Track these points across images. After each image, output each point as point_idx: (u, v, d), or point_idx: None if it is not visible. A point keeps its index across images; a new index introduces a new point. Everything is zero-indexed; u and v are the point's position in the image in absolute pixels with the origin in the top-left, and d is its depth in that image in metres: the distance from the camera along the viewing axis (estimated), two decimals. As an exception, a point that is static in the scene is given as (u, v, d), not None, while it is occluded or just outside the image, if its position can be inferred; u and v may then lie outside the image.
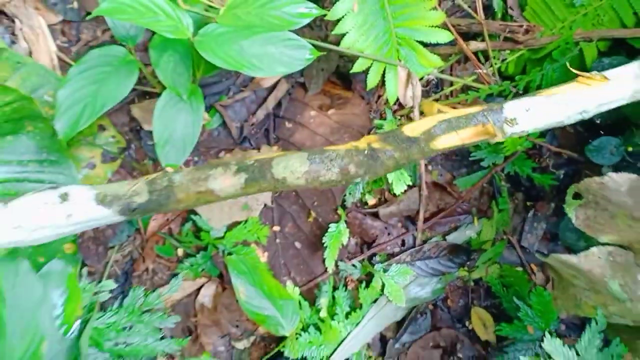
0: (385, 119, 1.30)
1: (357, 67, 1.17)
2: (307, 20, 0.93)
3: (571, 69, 0.81)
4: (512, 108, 0.62)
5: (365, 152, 0.61)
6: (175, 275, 1.29)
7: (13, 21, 1.38)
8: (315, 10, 0.94)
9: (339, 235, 1.22)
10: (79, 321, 0.91)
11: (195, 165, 1.39)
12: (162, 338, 1.17)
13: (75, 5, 1.41)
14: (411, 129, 0.62)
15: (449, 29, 1.24)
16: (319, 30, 1.38)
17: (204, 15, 0.96)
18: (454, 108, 1.37)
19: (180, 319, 1.23)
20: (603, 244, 0.90)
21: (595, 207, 0.90)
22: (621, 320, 0.91)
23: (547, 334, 0.95)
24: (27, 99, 1.09)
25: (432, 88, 1.41)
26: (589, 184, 0.89)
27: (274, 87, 1.41)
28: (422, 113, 1.17)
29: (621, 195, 0.85)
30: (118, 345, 1.07)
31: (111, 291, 1.22)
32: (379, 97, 1.41)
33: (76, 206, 0.61)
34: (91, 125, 1.29)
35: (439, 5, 1.35)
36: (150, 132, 1.40)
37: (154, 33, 1.04)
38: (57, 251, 1.17)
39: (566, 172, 1.30)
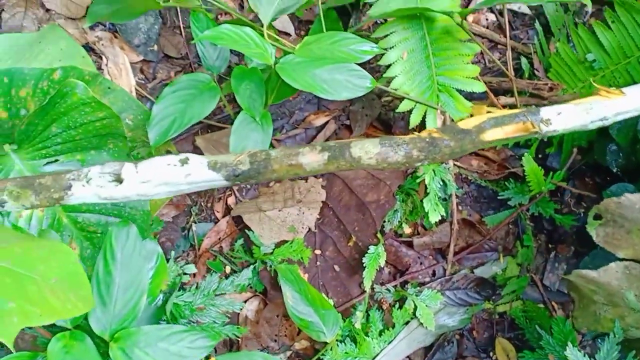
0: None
1: (403, 107, 1.34)
2: (369, 57, 1.12)
3: (595, 84, 0.96)
4: (547, 111, 0.77)
5: (427, 139, 0.76)
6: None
7: (101, 58, 1.60)
8: (376, 49, 1.12)
9: (377, 257, 1.35)
10: (162, 295, 1.04)
11: (248, 193, 1.55)
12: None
13: (155, 48, 1.63)
14: (465, 123, 0.77)
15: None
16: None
17: (283, 48, 1.15)
18: (487, 158, 1.53)
19: (245, 303, 1.35)
20: (620, 260, 1.02)
21: (613, 224, 1.03)
22: (637, 333, 1.01)
23: (569, 343, 1.06)
24: (116, 117, 1.26)
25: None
26: (607, 203, 1.03)
27: (323, 126, 1.58)
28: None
29: (636, 212, 0.98)
30: (190, 323, 1.19)
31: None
32: (416, 142, 1.57)
33: (193, 168, 0.76)
34: (159, 149, 1.47)
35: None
36: (210, 160, 1.57)
37: (232, 68, 1.24)
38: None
39: (585, 213, 1.43)
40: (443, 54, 1.33)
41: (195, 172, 0.76)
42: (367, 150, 0.76)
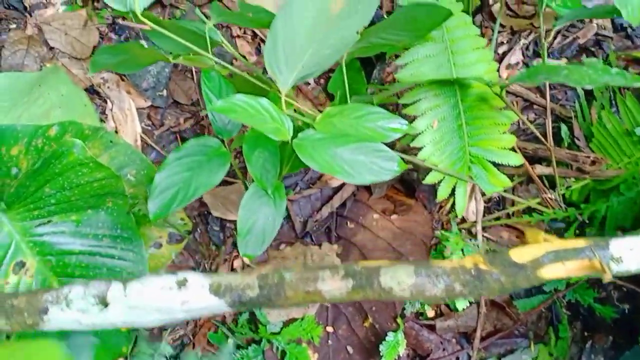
0: (448, 231, 1.33)
1: (430, 179, 1.22)
2: (398, 135, 0.99)
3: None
4: (618, 246, 0.64)
5: (472, 272, 0.64)
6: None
7: (105, 101, 1.49)
8: (405, 127, 1.00)
9: (396, 346, 1.22)
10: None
11: (259, 256, 1.43)
12: None
13: (165, 93, 1.52)
14: (519, 255, 0.65)
15: (515, 151, 1.30)
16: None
17: (302, 119, 1.03)
18: (519, 231, 1.40)
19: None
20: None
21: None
22: None
23: None
24: (115, 177, 1.15)
25: (494, 205, 1.45)
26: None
27: (340, 187, 1.46)
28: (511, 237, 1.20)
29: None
30: None
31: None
32: (441, 207, 1.45)
33: (192, 294, 0.64)
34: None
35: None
36: (217, 218, 1.46)
37: (245, 130, 1.12)
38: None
39: (630, 307, 1.29)
40: (477, 123, 1.21)
41: (193, 298, 0.64)
42: (400, 280, 0.64)
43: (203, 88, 1.10)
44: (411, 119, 1.21)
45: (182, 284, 0.65)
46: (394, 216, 1.41)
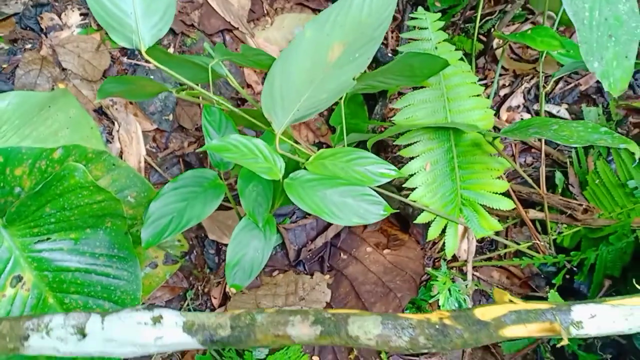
0: (438, 269, 1.34)
1: (421, 219, 1.24)
2: (386, 180, 1.02)
3: (638, 285, 0.85)
4: (579, 312, 0.66)
5: (437, 326, 0.66)
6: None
7: (113, 123, 1.54)
8: (394, 172, 1.03)
9: (379, 379, 1.23)
10: None
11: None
12: None
13: (171, 117, 1.56)
14: (482, 313, 0.67)
15: (509, 195, 1.32)
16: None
17: (295, 159, 1.06)
18: (509, 272, 1.41)
19: None
20: None
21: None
22: None
23: None
24: (115, 200, 1.19)
25: (487, 246, 1.47)
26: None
27: (336, 219, 1.48)
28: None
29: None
30: None
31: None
32: (434, 244, 1.47)
33: (166, 330, 0.67)
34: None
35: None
36: (214, 242, 1.49)
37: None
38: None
39: (612, 355, 1.30)
40: (470, 167, 1.24)
41: (167, 335, 0.67)
42: (367, 330, 0.66)
43: (203, 122, 1.14)
44: (406, 160, 1.24)
45: (157, 320, 0.68)
46: (386, 250, 1.43)
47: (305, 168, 1.03)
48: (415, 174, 1.21)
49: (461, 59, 1.26)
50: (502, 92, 1.58)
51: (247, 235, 1.10)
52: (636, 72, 1.56)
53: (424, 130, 1.21)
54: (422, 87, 1.23)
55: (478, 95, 1.24)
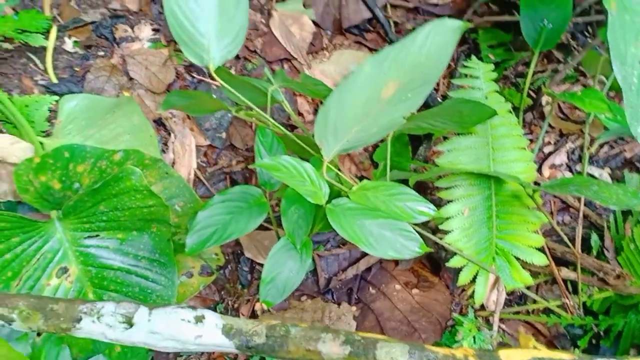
0: (464, 316, 1.36)
1: (453, 263, 1.26)
2: (424, 218, 1.06)
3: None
4: (601, 365, 0.68)
5: (461, 362, 0.69)
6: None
7: (169, 134, 1.62)
8: (432, 212, 1.06)
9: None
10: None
11: (279, 302, 1.49)
12: None
13: (224, 135, 1.64)
14: (506, 355, 0.69)
15: (543, 251, 1.33)
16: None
17: (339, 187, 1.11)
18: (536, 329, 1.41)
19: None
20: None
21: None
22: None
23: None
24: (164, 206, 1.25)
25: (516, 299, 1.47)
26: None
27: (368, 252, 1.52)
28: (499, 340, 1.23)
29: None
30: None
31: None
32: (463, 290, 1.48)
33: (206, 330, 0.72)
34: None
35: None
36: (248, 259, 1.54)
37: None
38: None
39: None
40: (507, 218, 1.26)
41: (207, 335, 0.71)
42: (394, 356, 0.69)
43: (256, 141, 1.21)
44: (444, 203, 1.27)
45: (199, 319, 0.72)
46: (415, 290, 1.45)
47: (347, 197, 1.08)
48: (452, 217, 1.24)
49: (509, 112, 1.30)
50: (546, 149, 1.61)
51: (284, 255, 1.15)
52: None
53: (466, 175, 1.24)
54: (468, 134, 1.27)
55: (523, 148, 1.27)
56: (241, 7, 1.11)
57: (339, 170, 1.22)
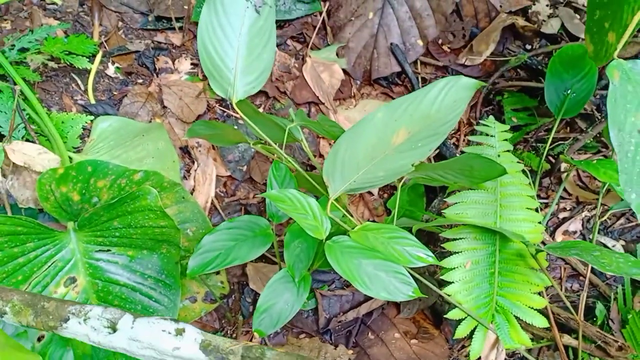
0: (459, 371, 1.34)
1: (452, 315, 1.26)
2: (421, 264, 1.07)
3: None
4: None
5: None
6: None
7: (193, 162, 1.68)
8: (430, 259, 1.07)
9: None
10: None
11: (276, 337, 1.50)
12: None
13: (245, 168, 1.69)
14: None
15: (547, 315, 1.31)
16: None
17: (342, 225, 1.14)
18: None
19: None
20: None
21: None
22: None
23: None
24: (175, 229, 1.29)
25: (516, 361, 1.45)
26: None
27: (371, 297, 1.52)
28: None
29: None
30: None
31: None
32: (463, 347, 1.47)
33: (185, 343, 0.74)
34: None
35: (546, 289, 1.43)
36: (253, 291, 1.56)
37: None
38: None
39: None
40: (510, 276, 1.26)
41: (184, 348, 0.74)
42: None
43: (269, 174, 1.25)
44: (449, 254, 1.28)
45: (179, 332, 0.75)
46: (413, 340, 1.44)
47: (349, 236, 1.10)
48: (454, 268, 1.25)
49: (523, 172, 1.32)
50: (561, 215, 1.60)
51: (281, 287, 1.17)
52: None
53: (472, 229, 1.25)
54: (477, 189, 1.29)
55: (531, 209, 1.28)
56: (268, 48, 1.17)
57: (347, 210, 1.24)
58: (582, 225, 1.59)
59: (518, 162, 1.32)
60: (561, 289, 1.51)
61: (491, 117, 1.38)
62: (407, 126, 1.09)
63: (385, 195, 1.71)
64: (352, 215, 1.21)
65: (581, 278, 1.52)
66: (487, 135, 1.34)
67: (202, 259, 1.17)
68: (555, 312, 1.39)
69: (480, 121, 1.41)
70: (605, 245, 1.55)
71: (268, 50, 1.17)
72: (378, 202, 1.69)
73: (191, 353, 0.74)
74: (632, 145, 0.79)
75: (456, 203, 1.29)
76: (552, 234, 1.58)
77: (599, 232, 1.58)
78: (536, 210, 1.31)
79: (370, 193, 1.70)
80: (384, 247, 1.08)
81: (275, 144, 1.24)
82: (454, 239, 1.26)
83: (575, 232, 1.58)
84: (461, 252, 1.25)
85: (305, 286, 1.18)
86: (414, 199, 1.62)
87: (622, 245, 1.54)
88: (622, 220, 1.59)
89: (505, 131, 1.34)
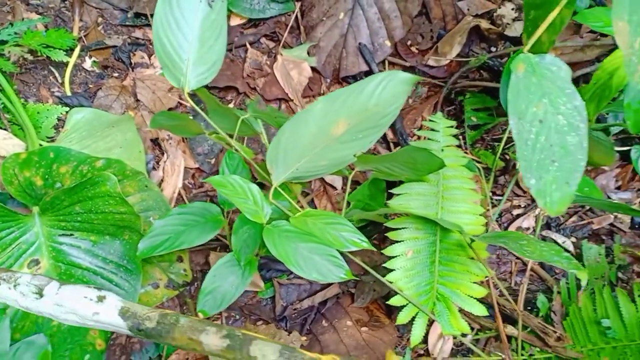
0: (403, 357, 1.39)
1: (394, 302, 1.31)
2: (355, 248, 1.12)
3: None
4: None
5: (325, 369, 0.74)
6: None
7: (163, 154, 1.74)
8: (365, 244, 1.13)
9: None
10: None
11: (234, 323, 1.55)
12: None
13: (213, 161, 1.75)
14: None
15: (492, 305, 1.36)
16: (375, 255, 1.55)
17: (285, 212, 1.19)
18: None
19: None
20: None
21: None
22: None
23: None
24: (135, 215, 1.35)
25: (463, 352, 1.49)
26: None
27: (328, 285, 1.58)
28: None
29: None
30: None
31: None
32: (413, 336, 1.51)
33: (104, 309, 0.80)
34: (172, 254, 1.53)
35: (494, 283, 1.48)
36: (214, 279, 1.61)
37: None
38: (89, 343, 1.36)
39: None
40: (450, 265, 1.31)
41: (103, 313, 0.80)
42: (265, 354, 0.76)
43: (222, 163, 1.31)
44: (392, 243, 1.33)
45: (101, 299, 0.81)
46: (364, 328, 1.49)
47: (288, 221, 1.16)
48: (397, 256, 1.30)
49: (467, 167, 1.37)
50: (515, 212, 1.65)
51: (226, 270, 1.23)
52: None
53: (414, 219, 1.30)
54: (421, 181, 1.34)
55: (473, 202, 1.33)
56: (220, 41, 1.23)
57: (297, 200, 1.30)
58: (535, 221, 1.63)
59: (463, 157, 1.37)
60: (511, 283, 1.56)
61: (439, 113, 1.43)
62: (346, 118, 1.15)
63: (350, 190, 1.76)
64: (298, 202, 1.27)
65: (531, 273, 1.56)
66: (433, 130, 1.39)
67: (151, 242, 1.22)
68: (502, 303, 1.43)
69: (428, 117, 1.46)
70: (555, 242, 1.59)
71: (220, 43, 1.22)
72: (341, 197, 1.74)
73: (110, 318, 0.80)
74: (532, 134, 0.84)
75: (400, 194, 1.34)
76: (505, 230, 1.62)
77: (551, 229, 1.62)
78: (485, 204, 1.36)
79: (333, 187, 1.76)
80: (321, 232, 1.13)
81: (240, 137, 1.30)
82: (397, 229, 1.31)
83: (528, 229, 1.62)
84: (403, 241, 1.30)
85: (250, 269, 1.24)
86: (375, 193, 1.67)
87: (573, 242, 1.59)
88: (574, 218, 1.63)
89: (450, 127, 1.39)
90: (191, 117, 1.26)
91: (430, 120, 1.41)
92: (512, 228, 1.62)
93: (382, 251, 1.31)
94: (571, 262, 1.03)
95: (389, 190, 1.36)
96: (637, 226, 1.60)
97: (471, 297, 1.30)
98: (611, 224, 1.60)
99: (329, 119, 1.15)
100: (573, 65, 1.77)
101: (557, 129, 0.85)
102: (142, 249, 1.21)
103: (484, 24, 1.83)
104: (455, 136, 1.40)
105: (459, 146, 1.44)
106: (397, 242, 1.31)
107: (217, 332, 0.79)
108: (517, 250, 1.07)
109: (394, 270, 1.30)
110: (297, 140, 1.16)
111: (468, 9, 1.92)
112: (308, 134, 1.15)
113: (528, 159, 0.85)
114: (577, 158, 0.86)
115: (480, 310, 1.30)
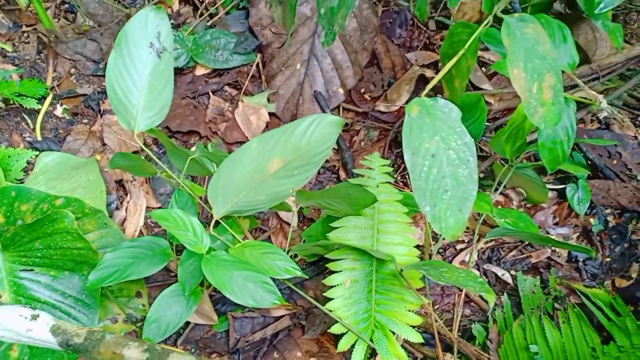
0: (347, 386, 1.45)
1: (334, 330, 1.38)
2: (288, 275, 1.20)
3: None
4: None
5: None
6: None
7: (127, 195, 1.84)
8: (298, 272, 1.21)
9: None
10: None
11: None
12: None
13: (173, 201, 1.84)
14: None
15: (432, 334, 1.43)
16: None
17: (227, 244, 1.28)
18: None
19: None
20: None
21: None
22: None
23: None
24: (93, 252, 1.42)
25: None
26: None
27: (279, 318, 1.64)
28: None
29: None
30: None
31: None
32: (361, 367, 1.57)
33: (37, 326, 0.88)
34: (130, 289, 1.61)
35: (441, 313, 1.55)
36: (171, 314, 1.68)
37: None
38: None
39: None
40: (386, 294, 1.38)
41: (36, 330, 0.87)
42: (180, 365, 0.83)
43: (172, 200, 1.40)
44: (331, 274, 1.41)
45: (34, 317, 0.89)
46: (313, 359, 1.55)
47: (227, 252, 1.24)
48: (336, 286, 1.38)
49: (403, 202, 1.46)
50: (458, 246, 1.74)
51: (171, 300, 1.31)
52: (587, 258, 1.68)
53: (352, 250, 1.39)
54: (358, 215, 1.44)
55: (407, 235, 1.42)
56: (167, 88, 1.35)
57: (241, 233, 1.38)
58: (478, 256, 1.72)
59: (398, 192, 1.47)
60: (454, 314, 1.63)
61: (376, 153, 1.54)
62: (280, 156, 1.25)
63: (305, 227, 1.85)
64: (244, 237, 1.35)
65: (472, 304, 1.63)
66: (369, 168, 1.50)
67: (101, 273, 1.30)
68: (442, 332, 1.50)
69: (365, 156, 1.57)
70: (496, 275, 1.67)
71: (167, 90, 1.34)
72: (296, 233, 1.83)
73: (42, 335, 0.87)
74: (426, 167, 0.94)
75: (339, 227, 1.43)
76: (450, 263, 1.71)
77: (492, 262, 1.71)
78: (428, 238, 1.44)
79: (288, 224, 1.85)
80: (256, 261, 1.22)
81: (194, 177, 1.39)
82: (336, 260, 1.40)
83: (470, 262, 1.71)
84: (342, 271, 1.39)
85: (194, 300, 1.31)
86: (328, 229, 1.76)
87: (512, 275, 1.67)
88: (514, 252, 1.72)
89: (384, 165, 1.49)
90: (155, 158, 1.36)
91: (367, 160, 1.52)
92: (455, 261, 1.71)
93: (322, 281, 1.39)
94: (483, 286, 1.12)
95: (332, 224, 1.45)
96: (573, 260, 1.69)
97: (407, 324, 1.37)
98: (549, 258, 1.69)
99: (265, 157, 1.25)
100: (512, 110, 1.91)
101: (448, 162, 0.96)
102: (92, 279, 1.29)
103: (429, 73, 1.97)
104: (390, 174, 1.50)
105: (396, 183, 1.54)
106: (336, 272, 1.39)
107: (139, 347, 0.86)
108: (435, 277, 1.15)
109: (333, 299, 1.38)
110: (233, 177, 1.26)
111: (416, 60, 2.06)
112: (245, 171, 1.25)
113: (422, 188, 0.95)
114: (468, 188, 0.96)
115: (416, 337, 1.36)
